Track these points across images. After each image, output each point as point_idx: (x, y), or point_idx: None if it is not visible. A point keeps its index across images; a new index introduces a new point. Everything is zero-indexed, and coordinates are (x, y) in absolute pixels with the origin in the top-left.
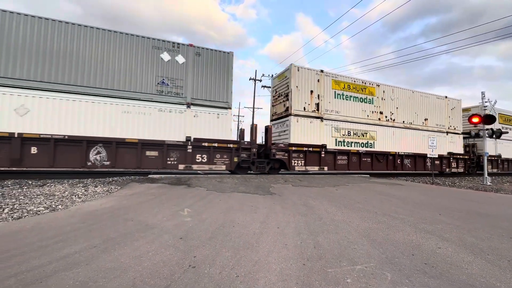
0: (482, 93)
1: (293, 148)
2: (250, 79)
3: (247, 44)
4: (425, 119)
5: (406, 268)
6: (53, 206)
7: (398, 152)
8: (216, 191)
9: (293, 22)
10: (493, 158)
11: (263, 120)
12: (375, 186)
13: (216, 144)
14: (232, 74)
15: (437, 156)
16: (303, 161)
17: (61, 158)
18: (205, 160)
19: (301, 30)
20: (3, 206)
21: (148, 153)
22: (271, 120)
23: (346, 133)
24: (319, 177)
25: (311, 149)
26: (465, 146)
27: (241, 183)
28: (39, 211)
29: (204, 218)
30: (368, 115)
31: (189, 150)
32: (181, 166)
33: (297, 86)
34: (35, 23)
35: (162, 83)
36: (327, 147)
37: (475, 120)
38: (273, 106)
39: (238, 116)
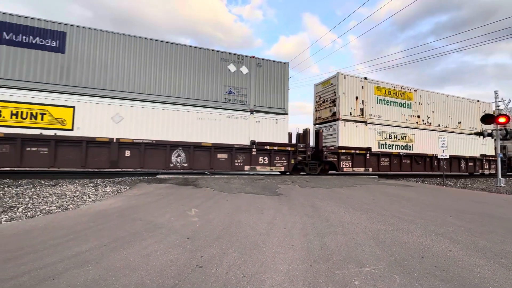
0: (496, 92)
1: (342, 151)
2: None
3: (254, 45)
4: (458, 122)
5: (415, 271)
6: (65, 205)
7: (435, 154)
8: (223, 191)
9: (300, 22)
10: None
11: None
12: (383, 187)
13: (276, 148)
14: (288, 82)
15: (448, 157)
16: (350, 163)
17: (149, 161)
18: (266, 162)
19: (308, 30)
20: (18, 205)
21: (219, 155)
22: (315, 124)
23: (388, 136)
24: (327, 178)
25: (357, 151)
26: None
27: (248, 183)
28: (51, 210)
29: (211, 219)
30: (407, 119)
31: (254, 153)
32: (246, 168)
33: (344, 93)
34: (121, 40)
35: (229, 92)
36: (371, 149)
37: (502, 120)
38: (316, 111)
39: None
